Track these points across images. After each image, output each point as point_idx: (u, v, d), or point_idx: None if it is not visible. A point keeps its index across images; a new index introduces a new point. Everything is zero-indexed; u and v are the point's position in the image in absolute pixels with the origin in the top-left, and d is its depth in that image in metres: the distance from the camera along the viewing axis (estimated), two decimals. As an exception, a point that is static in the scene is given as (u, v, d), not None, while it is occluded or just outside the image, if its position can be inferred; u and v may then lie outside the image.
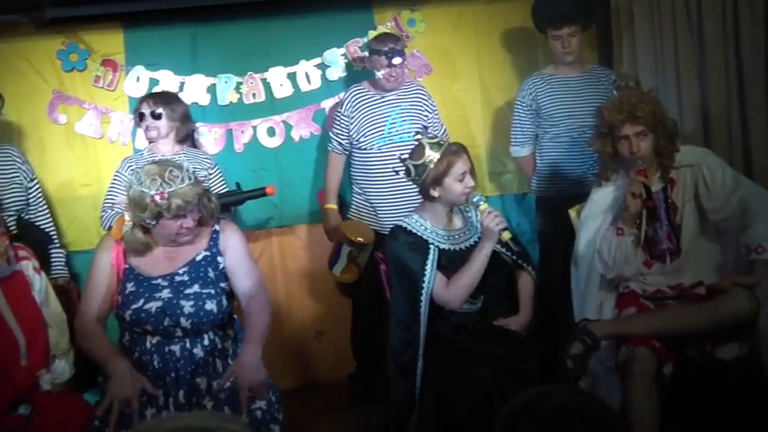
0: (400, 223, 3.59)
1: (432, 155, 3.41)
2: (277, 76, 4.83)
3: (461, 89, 4.99)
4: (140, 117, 4.25)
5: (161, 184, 2.98)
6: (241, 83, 4.80)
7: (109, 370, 2.99)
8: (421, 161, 3.42)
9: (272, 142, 4.84)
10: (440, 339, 3.45)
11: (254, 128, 4.83)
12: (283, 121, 4.85)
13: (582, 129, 4.40)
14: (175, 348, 3.09)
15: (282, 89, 4.83)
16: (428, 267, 3.45)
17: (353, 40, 4.84)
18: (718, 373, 3.32)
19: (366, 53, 4.66)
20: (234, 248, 3.24)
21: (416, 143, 3.52)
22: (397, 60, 4.38)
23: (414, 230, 3.53)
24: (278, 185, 4.67)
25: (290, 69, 4.85)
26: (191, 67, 4.77)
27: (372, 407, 4.28)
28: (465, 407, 3.18)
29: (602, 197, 3.63)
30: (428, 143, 3.45)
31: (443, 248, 3.52)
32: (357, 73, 4.76)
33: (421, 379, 3.37)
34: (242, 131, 4.81)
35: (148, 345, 3.11)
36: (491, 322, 3.58)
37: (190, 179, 3.04)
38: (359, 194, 4.60)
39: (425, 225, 3.54)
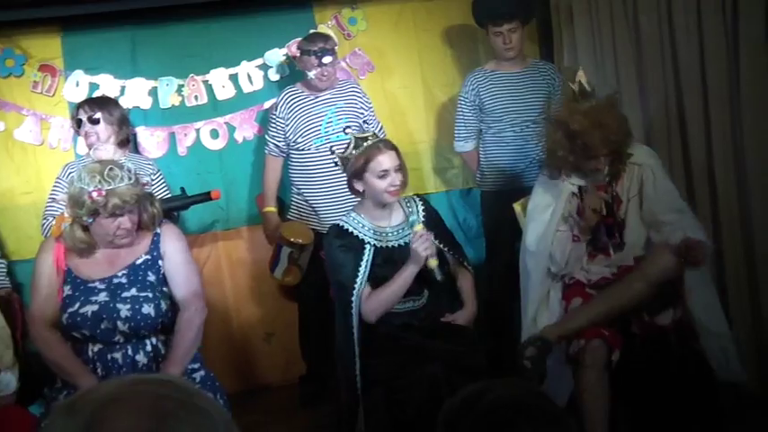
0: (337, 222, 3.59)
1: (355, 149, 3.44)
2: (219, 78, 4.79)
3: (404, 86, 5.00)
4: (78, 123, 4.21)
5: (100, 181, 2.97)
6: (182, 85, 4.75)
7: (77, 386, 2.95)
8: (345, 154, 3.46)
9: (216, 144, 4.80)
10: (388, 337, 3.45)
11: (197, 130, 4.79)
12: (226, 123, 4.81)
13: (525, 123, 4.45)
14: (117, 356, 3.07)
15: (225, 91, 4.80)
16: (361, 269, 3.45)
17: (294, 40, 4.77)
18: (660, 342, 3.39)
19: (300, 53, 4.66)
20: (173, 254, 3.21)
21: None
22: (327, 59, 4.37)
23: (350, 229, 3.51)
24: (223, 188, 4.65)
25: (231, 71, 4.81)
26: (131, 71, 4.71)
27: (324, 408, 4.27)
28: (415, 404, 3.18)
29: (548, 188, 3.65)
30: (355, 137, 3.48)
31: (380, 246, 3.51)
32: (299, 73, 4.71)
33: (362, 378, 3.38)
34: (185, 134, 4.77)
35: (90, 353, 3.08)
36: (438, 318, 3.59)
37: (130, 179, 3.03)
38: (298, 195, 4.58)
39: (363, 222, 3.53)
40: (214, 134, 4.80)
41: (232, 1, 4.71)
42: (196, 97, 4.77)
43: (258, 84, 4.83)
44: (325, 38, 4.48)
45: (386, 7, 4.97)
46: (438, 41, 5.03)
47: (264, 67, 4.84)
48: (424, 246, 3.34)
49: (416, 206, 3.60)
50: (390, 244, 3.53)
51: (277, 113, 4.51)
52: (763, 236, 4.00)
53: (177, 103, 4.76)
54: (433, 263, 3.37)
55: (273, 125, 4.53)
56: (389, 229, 3.55)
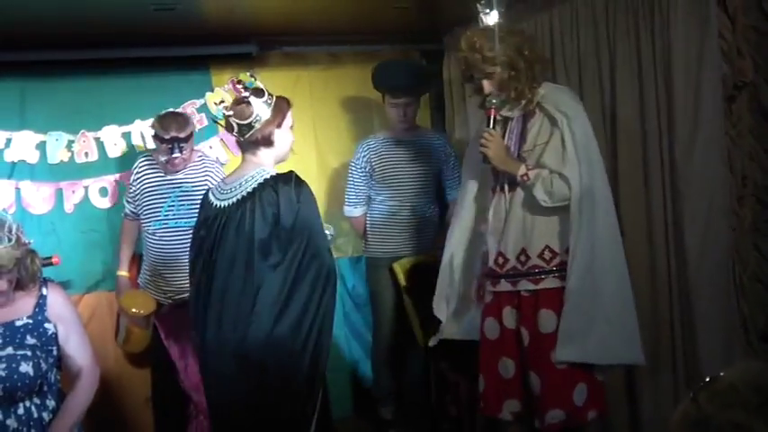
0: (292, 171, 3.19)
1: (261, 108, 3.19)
2: (111, 135, 4.74)
3: (298, 153, 5.00)
4: None
5: None
6: (73, 141, 4.68)
7: None
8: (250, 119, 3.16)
9: (104, 203, 4.73)
10: None
11: (86, 188, 4.71)
12: (117, 181, 4.74)
13: (413, 192, 4.53)
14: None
15: (116, 148, 4.74)
16: None
17: (190, 102, 4.80)
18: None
19: (203, 114, 4.63)
20: (67, 319, 3.07)
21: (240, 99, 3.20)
22: (177, 154, 4.13)
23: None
24: (108, 247, 4.58)
25: (124, 128, 4.77)
26: (19, 123, 4.62)
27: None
28: None
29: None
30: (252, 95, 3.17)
31: None
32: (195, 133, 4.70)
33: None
34: (73, 191, 4.68)
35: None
36: None
37: (10, 240, 2.83)
38: (147, 259, 4.40)
39: None
40: (103, 192, 4.73)
41: (126, 59, 4.66)
42: (86, 154, 4.70)
43: (152, 143, 4.77)
44: (180, 125, 4.14)
45: (283, 74, 4.99)
46: (333, 110, 5.10)
47: (159, 127, 4.79)
48: None
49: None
50: None
51: (131, 180, 4.37)
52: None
53: (66, 159, 4.67)
54: None
55: (130, 189, 4.38)
56: None
